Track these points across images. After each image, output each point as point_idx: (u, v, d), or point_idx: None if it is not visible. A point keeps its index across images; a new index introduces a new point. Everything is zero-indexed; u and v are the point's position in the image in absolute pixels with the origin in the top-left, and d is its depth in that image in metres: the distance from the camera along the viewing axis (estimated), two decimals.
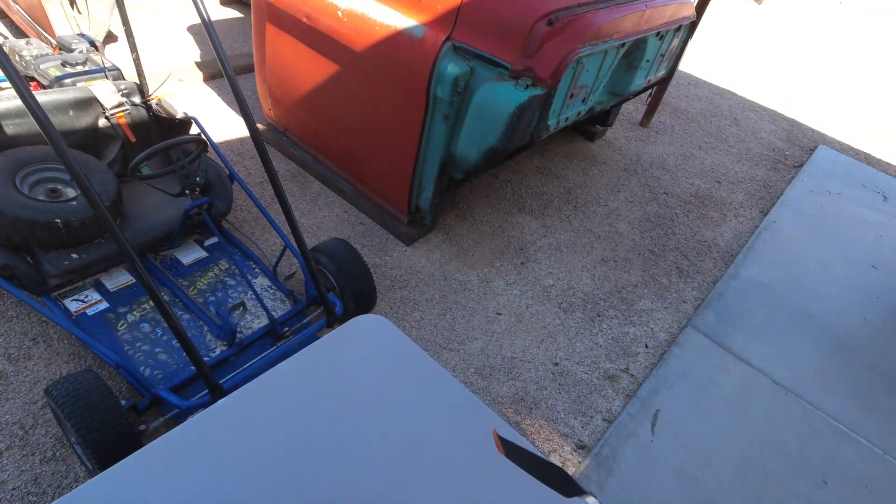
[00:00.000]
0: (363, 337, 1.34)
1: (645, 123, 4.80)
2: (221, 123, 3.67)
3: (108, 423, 1.65)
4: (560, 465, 2.21)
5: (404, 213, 2.99)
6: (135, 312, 2.18)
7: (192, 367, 2.03)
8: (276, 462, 1.07)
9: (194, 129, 2.71)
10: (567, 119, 2.75)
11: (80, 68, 2.41)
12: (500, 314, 2.80)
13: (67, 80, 2.32)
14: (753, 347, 2.88)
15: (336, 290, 2.38)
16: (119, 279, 2.27)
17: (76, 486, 1.82)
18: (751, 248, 3.61)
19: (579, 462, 2.23)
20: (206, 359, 2.07)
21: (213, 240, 2.53)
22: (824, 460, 2.40)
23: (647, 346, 2.83)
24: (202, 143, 2.25)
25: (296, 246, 2.40)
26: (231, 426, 1.12)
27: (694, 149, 4.67)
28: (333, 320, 2.17)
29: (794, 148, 5.11)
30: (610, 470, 2.19)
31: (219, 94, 3.97)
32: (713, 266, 3.46)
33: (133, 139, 2.44)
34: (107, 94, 2.31)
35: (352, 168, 3.17)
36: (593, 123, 4.36)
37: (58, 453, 1.88)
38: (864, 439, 2.53)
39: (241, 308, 2.23)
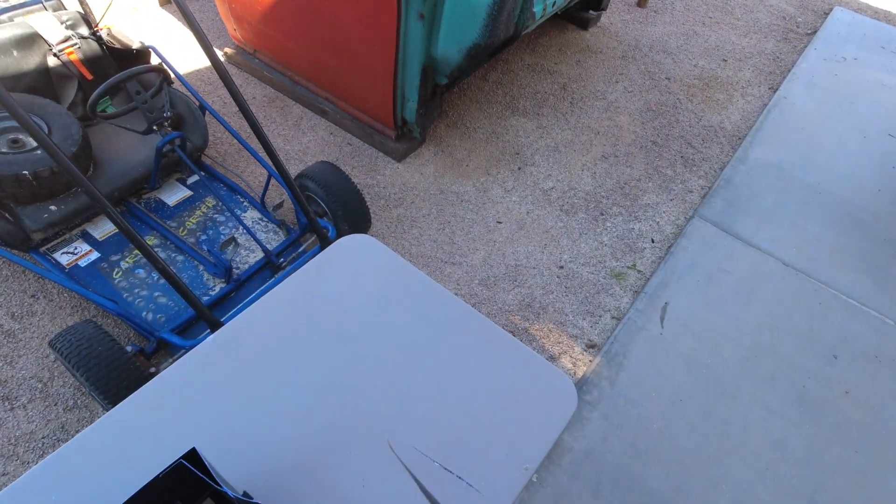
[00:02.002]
0: (349, 257, 1.28)
1: (643, 3, 4.41)
2: (186, 51, 3.42)
3: (116, 370, 1.67)
4: (571, 365, 2.24)
5: (391, 129, 2.84)
6: (127, 259, 2.14)
7: None
8: (271, 387, 1.06)
9: (154, 60, 2.52)
10: (555, 4, 2.51)
11: (13, 0, 2.20)
12: (500, 223, 2.73)
13: (3, 17, 2.12)
14: (763, 231, 2.81)
15: (327, 214, 2.31)
16: (105, 227, 2.21)
17: None
18: (759, 129, 3.43)
19: (590, 361, 2.25)
20: (205, 297, 2.05)
21: (196, 177, 2.43)
22: (834, 336, 2.41)
23: (653, 241, 2.77)
24: (163, 73, 2.08)
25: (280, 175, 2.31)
26: (225, 357, 1.10)
27: (697, 26, 4.32)
28: (327, 245, 2.11)
29: (806, 13, 4.71)
30: (621, 365, 2.21)
31: (180, 20, 3.68)
32: (720, 151, 3.30)
33: (90, 76, 2.27)
34: (49, 27, 2.12)
35: (331, 86, 2.97)
36: (586, 8, 4.01)
37: (79, 401, 1.93)
38: (875, 311, 2.52)
39: (232, 244, 2.17)
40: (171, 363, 1.90)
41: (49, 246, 2.10)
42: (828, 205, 3.00)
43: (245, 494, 0.88)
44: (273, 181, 2.54)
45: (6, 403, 1.87)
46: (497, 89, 3.47)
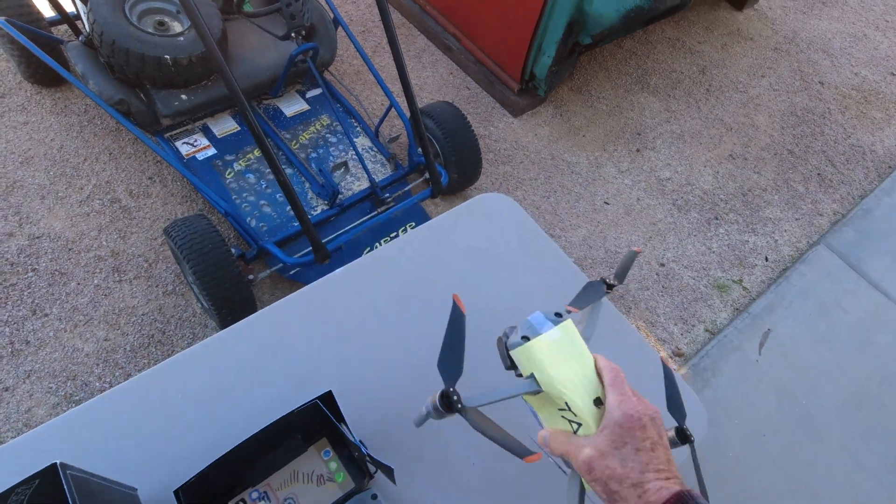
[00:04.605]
0: (488, 215, 1.22)
1: None
2: None
3: (221, 269, 1.70)
4: None
5: (516, 81, 2.68)
6: (241, 162, 2.16)
7: (296, 224, 2.03)
8: (395, 334, 1.02)
9: None
10: None
11: None
12: (607, 203, 2.58)
13: None
14: (895, 275, 2.53)
15: (440, 157, 2.24)
16: (225, 125, 2.23)
17: (195, 320, 1.95)
18: None
19: (675, 370, 2.14)
20: (308, 215, 2.05)
21: (316, 92, 2.39)
22: None
23: (766, 259, 2.55)
24: None
25: (402, 106, 2.23)
26: (351, 294, 1.07)
27: (869, 28, 3.81)
28: (438, 191, 2.06)
29: None
30: (707, 383, 2.09)
31: None
32: (864, 177, 2.96)
33: None
34: None
35: (462, 22, 2.82)
36: None
37: (177, 288, 2.01)
38: None
39: (343, 168, 2.14)
40: (268, 275, 1.94)
41: (172, 133, 2.14)
42: None
43: (360, 443, 0.86)
44: (391, 113, 2.47)
45: (116, 275, 1.97)
46: (630, 60, 3.21)
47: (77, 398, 1.74)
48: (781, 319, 2.31)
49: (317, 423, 0.83)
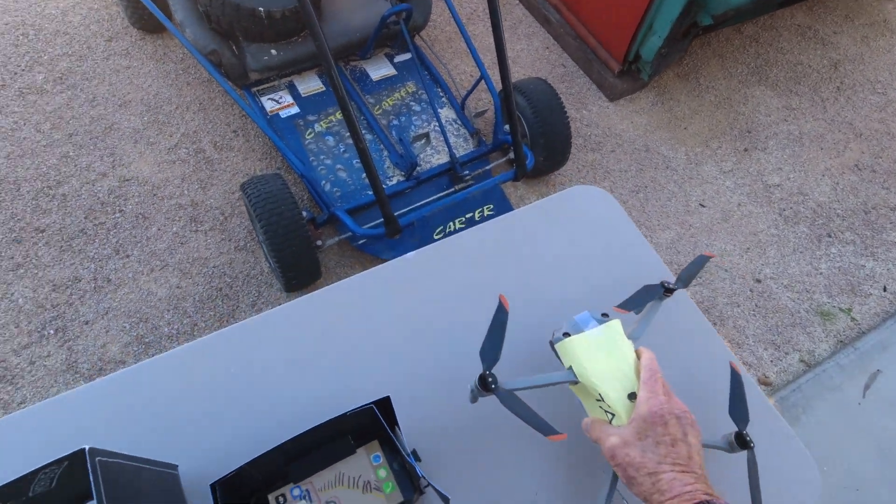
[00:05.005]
0: (581, 210, 1.08)
1: None
2: None
3: (291, 231, 1.68)
4: None
5: (618, 62, 2.46)
6: (322, 123, 2.12)
7: (370, 193, 1.98)
8: (464, 325, 0.93)
9: None
10: None
11: None
12: (703, 206, 2.34)
13: None
14: None
15: (527, 139, 2.09)
16: (311, 84, 2.19)
17: (261, 279, 1.96)
18: None
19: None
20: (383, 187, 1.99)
21: (405, 56, 2.30)
22: None
23: (885, 290, 2.23)
24: None
25: (493, 80, 2.10)
26: (425, 279, 0.99)
27: None
28: (522, 174, 1.92)
29: None
30: (796, 419, 1.87)
31: None
32: None
33: None
34: None
35: None
36: None
37: (248, 245, 2.02)
38: None
39: (424, 139, 2.05)
40: (336, 242, 1.90)
41: (259, 88, 2.13)
42: None
43: (413, 453, 0.78)
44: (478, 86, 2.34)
45: (193, 224, 2.01)
46: (749, 47, 2.87)
47: (147, 340, 1.80)
48: (895, 361, 2.02)
49: (369, 424, 0.76)
